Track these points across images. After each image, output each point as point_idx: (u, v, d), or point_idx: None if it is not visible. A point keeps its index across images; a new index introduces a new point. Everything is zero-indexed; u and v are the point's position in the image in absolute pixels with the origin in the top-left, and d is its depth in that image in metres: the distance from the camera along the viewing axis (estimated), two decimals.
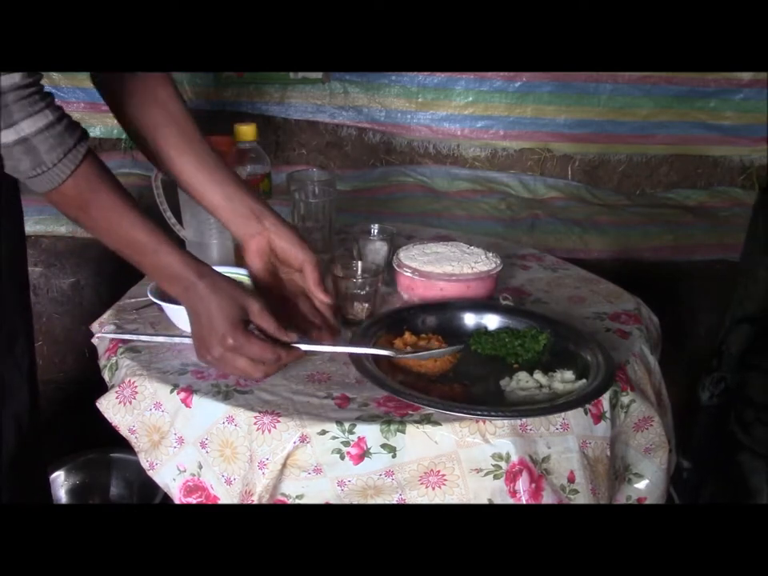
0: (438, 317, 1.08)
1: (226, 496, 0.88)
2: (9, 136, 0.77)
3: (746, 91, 2.41)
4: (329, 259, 1.31)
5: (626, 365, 0.99)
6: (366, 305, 1.08)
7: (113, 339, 1.04)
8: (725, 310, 1.56)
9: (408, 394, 0.87)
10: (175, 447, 0.90)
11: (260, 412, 0.86)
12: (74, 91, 2.29)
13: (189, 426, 0.89)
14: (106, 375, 1.01)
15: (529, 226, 2.24)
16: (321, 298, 1.00)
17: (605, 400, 0.90)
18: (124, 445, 0.98)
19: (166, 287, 0.90)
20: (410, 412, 0.86)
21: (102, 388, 1.00)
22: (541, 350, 1.00)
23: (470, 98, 2.40)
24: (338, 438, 0.83)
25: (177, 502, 0.91)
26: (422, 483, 0.84)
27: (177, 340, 1.00)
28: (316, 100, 2.41)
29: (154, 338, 1.01)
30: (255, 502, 0.84)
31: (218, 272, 0.90)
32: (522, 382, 0.93)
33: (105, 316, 1.13)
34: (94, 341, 1.10)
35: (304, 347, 0.94)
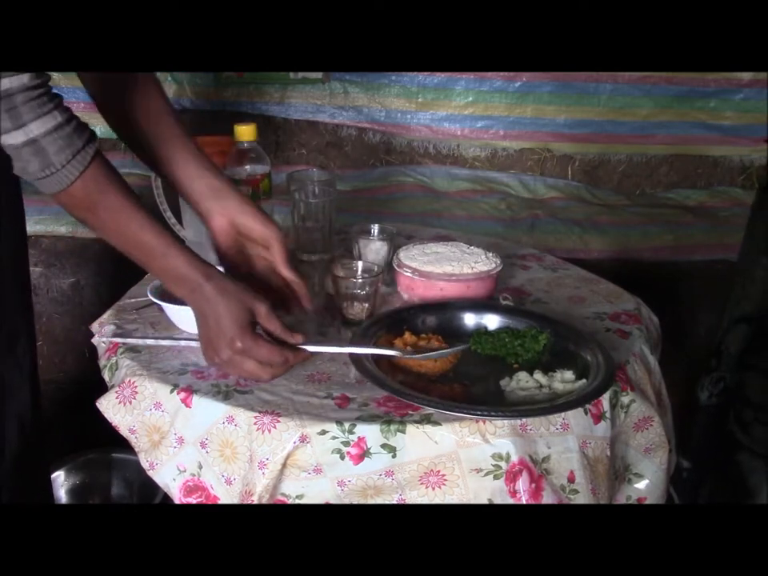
0: (438, 317, 1.08)
1: (226, 496, 0.88)
2: (18, 137, 0.77)
3: (745, 91, 2.41)
4: (329, 259, 1.31)
5: (625, 365, 0.99)
6: (366, 305, 1.08)
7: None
8: (723, 310, 1.56)
9: (408, 394, 0.87)
10: (175, 447, 0.90)
11: (260, 412, 0.86)
12: (74, 91, 2.28)
13: (189, 426, 0.89)
14: (105, 375, 1.01)
15: (529, 225, 2.24)
16: (287, 276, 1.00)
17: (605, 400, 0.90)
18: (124, 445, 0.98)
19: (174, 289, 0.90)
20: (410, 412, 0.86)
21: (102, 388, 1.00)
22: (541, 349, 1.00)
23: (470, 98, 2.40)
24: (338, 438, 0.83)
25: (177, 501, 0.91)
26: (421, 483, 0.84)
27: (183, 343, 0.99)
28: (316, 100, 2.41)
29: (159, 341, 1.00)
30: (255, 502, 0.84)
31: (225, 274, 0.90)
32: (522, 382, 0.93)
33: (105, 316, 1.13)
34: (94, 341, 1.10)
35: (311, 348, 0.94)
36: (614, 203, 2.43)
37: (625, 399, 0.94)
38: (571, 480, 0.88)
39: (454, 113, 2.42)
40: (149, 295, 1.05)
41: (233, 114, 2.37)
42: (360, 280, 1.09)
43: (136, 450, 0.95)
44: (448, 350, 0.97)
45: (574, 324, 1.06)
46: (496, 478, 0.84)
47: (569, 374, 0.94)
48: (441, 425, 0.84)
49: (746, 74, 2.37)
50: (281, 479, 0.85)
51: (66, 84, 2.23)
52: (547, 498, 0.86)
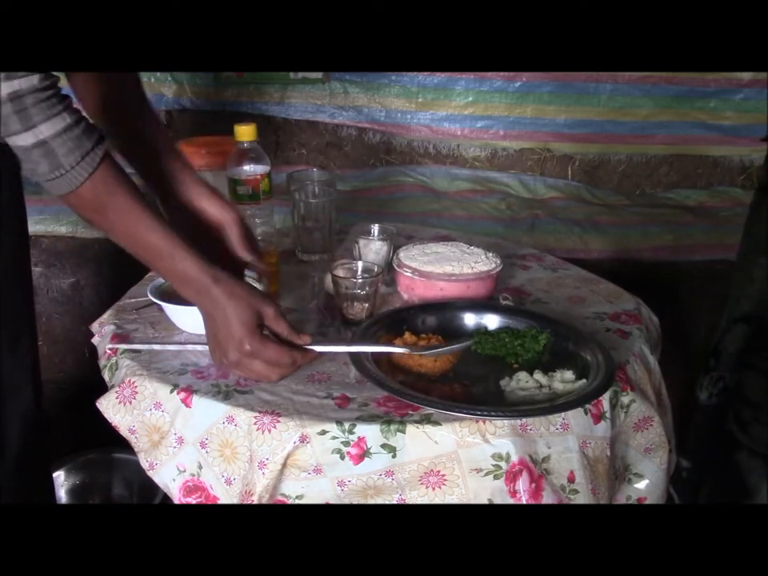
0: (438, 317, 1.08)
1: (226, 496, 0.88)
2: (27, 139, 0.77)
3: (745, 91, 2.41)
4: (329, 259, 1.31)
5: (626, 365, 0.99)
6: (366, 305, 1.08)
7: (113, 339, 1.04)
8: (721, 310, 1.56)
9: (408, 394, 0.87)
10: (175, 447, 0.90)
11: (260, 412, 0.86)
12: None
13: (189, 426, 0.89)
14: (105, 375, 1.01)
15: (529, 225, 2.24)
16: (243, 257, 1.00)
17: (605, 400, 0.90)
18: (124, 445, 0.98)
19: (181, 290, 0.90)
20: (410, 412, 0.86)
21: (102, 388, 1.00)
22: (541, 349, 1.00)
23: (470, 98, 2.40)
24: (338, 438, 0.83)
25: (177, 502, 0.91)
26: (421, 483, 0.84)
27: (189, 347, 0.99)
28: (316, 100, 2.41)
29: (167, 346, 1.00)
30: (255, 502, 0.84)
31: (233, 276, 0.90)
32: (522, 382, 0.93)
33: (105, 316, 1.13)
34: (95, 341, 1.10)
35: (318, 349, 0.94)
36: (614, 203, 2.44)
37: (625, 399, 0.94)
38: (571, 480, 0.88)
39: (454, 113, 2.42)
40: (149, 295, 1.05)
41: (233, 113, 2.37)
42: (360, 280, 1.09)
43: (136, 450, 0.95)
44: (454, 347, 0.97)
45: (573, 324, 1.06)
46: (496, 478, 0.84)
47: (569, 374, 0.94)
48: (441, 425, 0.84)
49: (745, 73, 2.37)
50: (281, 479, 0.85)
51: (65, 84, 2.23)
52: (547, 498, 0.86)
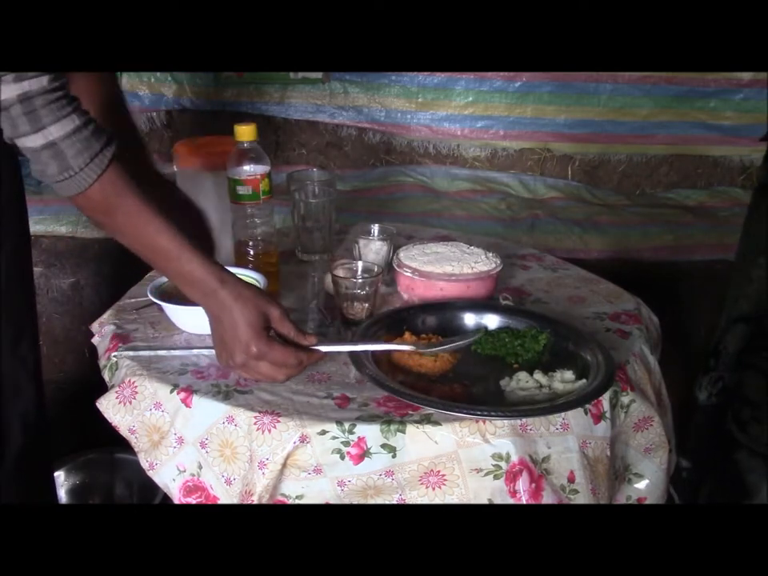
0: (438, 317, 1.08)
1: (226, 496, 0.88)
2: (37, 140, 0.77)
3: (745, 91, 2.41)
4: (329, 259, 1.31)
5: (626, 365, 0.99)
6: (366, 305, 1.08)
7: (113, 339, 1.04)
8: (720, 310, 1.56)
9: (408, 394, 0.87)
10: (175, 447, 0.90)
11: (260, 412, 0.86)
12: None
13: (189, 426, 0.89)
14: (105, 375, 1.01)
15: (529, 225, 2.24)
16: None
17: (605, 400, 0.90)
18: (124, 445, 0.98)
19: (188, 292, 0.90)
20: (410, 412, 0.86)
21: (102, 388, 1.00)
22: (541, 349, 1.00)
23: (470, 98, 2.40)
24: (338, 438, 0.83)
25: (177, 502, 0.91)
26: (421, 483, 0.84)
27: (195, 351, 0.99)
28: (316, 100, 2.41)
29: (172, 351, 0.99)
30: (255, 502, 0.84)
31: (239, 278, 0.90)
32: (522, 382, 0.93)
33: (105, 316, 1.13)
34: (94, 341, 1.10)
35: (324, 349, 0.94)
36: (614, 203, 2.44)
37: (625, 399, 0.94)
38: (571, 480, 0.88)
39: (454, 113, 2.42)
40: (149, 295, 1.05)
41: (233, 114, 2.37)
42: (360, 280, 1.09)
43: (136, 450, 0.95)
44: (459, 343, 0.97)
45: (573, 324, 1.06)
46: (496, 478, 0.84)
47: (569, 374, 0.94)
48: (441, 425, 0.84)
49: (745, 73, 2.37)
50: (281, 479, 0.85)
51: None
52: (547, 498, 0.86)
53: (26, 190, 1.02)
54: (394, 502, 0.85)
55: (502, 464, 0.84)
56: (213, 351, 0.93)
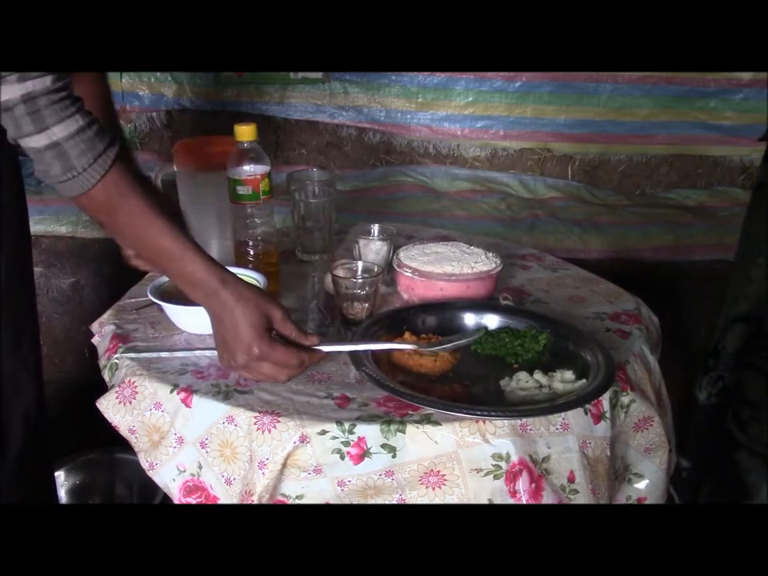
0: (438, 317, 1.08)
1: (226, 496, 0.88)
2: (41, 141, 0.77)
3: (745, 91, 2.41)
4: (329, 259, 1.31)
5: (626, 365, 0.99)
6: (366, 305, 1.08)
7: (113, 339, 1.04)
8: (720, 310, 1.56)
9: (408, 394, 0.87)
10: (175, 447, 0.90)
11: (260, 412, 0.86)
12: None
13: (189, 426, 0.89)
14: (105, 375, 1.01)
15: (529, 226, 2.24)
16: None
17: (605, 400, 0.90)
18: (124, 445, 0.98)
19: (190, 293, 0.90)
20: (410, 412, 0.86)
21: (102, 388, 1.00)
22: (541, 349, 1.00)
23: (470, 98, 2.40)
24: (338, 438, 0.83)
25: (177, 502, 0.91)
26: (421, 483, 0.84)
27: (198, 353, 0.99)
28: (316, 100, 2.41)
29: (174, 353, 0.99)
30: (255, 502, 0.84)
31: (241, 279, 0.90)
32: (522, 382, 0.93)
33: (105, 316, 1.13)
34: (94, 341, 1.10)
35: (326, 349, 0.95)
36: (614, 203, 2.44)
37: (625, 399, 0.94)
38: (571, 480, 0.88)
39: (454, 113, 2.42)
40: (149, 295, 1.05)
41: (233, 114, 2.37)
42: (360, 280, 1.09)
43: (136, 450, 0.95)
44: (461, 342, 0.97)
45: (573, 324, 1.06)
46: (496, 478, 0.84)
47: (569, 374, 0.94)
48: (441, 425, 0.84)
49: (745, 73, 2.37)
50: (281, 479, 0.85)
51: None
52: (547, 498, 0.86)
53: (26, 190, 1.03)
54: (394, 502, 0.85)
55: (502, 464, 0.84)
56: (214, 352, 0.93)
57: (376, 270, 1.11)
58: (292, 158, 2.47)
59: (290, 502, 0.86)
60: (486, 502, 0.84)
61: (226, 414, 0.87)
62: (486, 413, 0.84)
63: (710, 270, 2.13)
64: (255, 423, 0.85)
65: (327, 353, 0.95)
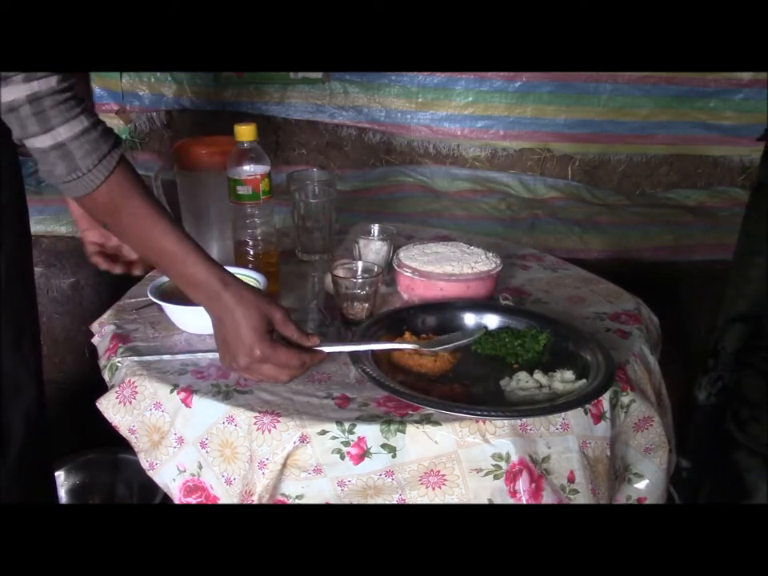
0: (438, 317, 1.08)
1: (226, 496, 0.88)
2: (45, 141, 0.78)
3: (745, 91, 2.41)
4: (329, 259, 1.31)
5: (626, 365, 0.99)
6: (366, 305, 1.08)
7: (113, 339, 1.04)
8: (719, 310, 1.56)
9: (408, 394, 0.87)
10: (175, 447, 0.90)
11: (260, 412, 0.86)
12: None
13: (189, 425, 0.89)
14: (105, 375, 1.01)
15: (529, 225, 2.24)
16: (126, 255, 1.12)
17: (605, 400, 0.90)
18: (124, 445, 0.98)
19: (191, 295, 0.90)
20: (410, 412, 0.86)
21: (102, 388, 1.00)
22: (541, 349, 1.00)
23: (470, 98, 2.40)
24: (338, 438, 0.83)
25: (177, 502, 0.91)
26: (421, 483, 0.84)
27: (200, 355, 0.99)
28: (316, 100, 2.41)
29: (176, 356, 0.99)
30: (255, 502, 0.84)
31: (242, 281, 0.90)
32: (522, 382, 0.93)
33: (105, 316, 1.13)
34: (94, 341, 1.10)
35: (327, 349, 0.95)
36: (614, 203, 2.44)
37: (625, 399, 0.94)
38: (571, 480, 0.88)
39: (454, 113, 2.42)
40: (149, 295, 1.05)
41: (233, 114, 2.37)
42: (360, 280, 1.09)
43: (136, 450, 0.95)
44: (460, 343, 0.97)
45: (574, 324, 1.06)
46: (496, 478, 0.84)
47: (569, 374, 0.94)
48: (441, 425, 0.84)
49: (745, 73, 2.37)
50: (281, 479, 0.85)
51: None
52: (547, 498, 0.86)
53: (26, 190, 1.03)
54: (394, 502, 0.85)
55: (502, 464, 0.84)
56: (215, 354, 0.93)
57: (376, 270, 1.11)
58: (292, 158, 2.47)
59: (290, 501, 0.86)
60: (486, 501, 0.84)
61: (226, 413, 0.87)
62: (486, 413, 0.84)
63: (710, 270, 2.13)
64: (255, 423, 0.85)
65: (328, 353, 0.95)
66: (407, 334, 1.01)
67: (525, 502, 0.84)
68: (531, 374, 0.94)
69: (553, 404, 0.88)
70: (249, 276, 1.11)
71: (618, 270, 2.02)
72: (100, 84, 2.32)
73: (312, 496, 0.85)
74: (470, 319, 1.08)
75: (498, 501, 0.84)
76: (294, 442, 0.83)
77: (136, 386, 0.93)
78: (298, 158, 2.48)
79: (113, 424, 0.95)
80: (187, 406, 0.89)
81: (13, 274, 0.98)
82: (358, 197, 2.35)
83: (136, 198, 0.84)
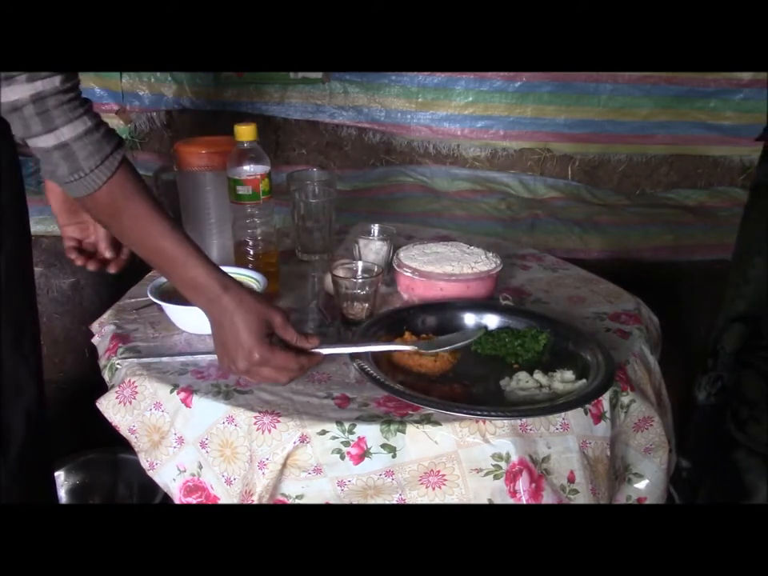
0: (438, 317, 1.08)
1: (226, 496, 0.88)
2: (49, 141, 0.78)
3: (745, 91, 2.41)
4: (329, 259, 1.31)
5: (626, 365, 0.99)
6: (366, 305, 1.08)
7: (113, 339, 1.04)
8: (719, 310, 1.56)
9: (408, 394, 0.87)
10: (175, 447, 0.90)
11: (260, 412, 0.86)
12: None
13: (189, 425, 0.89)
14: (106, 375, 1.01)
15: (529, 226, 2.24)
16: (103, 253, 1.12)
17: (605, 400, 0.90)
18: (124, 445, 0.98)
19: (191, 298, 0.90)
20: (410, 412, 0.86)
21: (102, 388, 1.00)
22: (541, 349, 1.00)
23: (470, 98, 2.40)
24: (338, 438, 0.83)
25: (177, 502, 0.91)
26: (421, 483, 0.84)
27: (199, 357, 0.99)
28: (316, 100, 2.41)
29: (176, 358, 0.99)
30: (255, 502, 0.84)
31: (242, 285, 0.90)
32: (522, 382, 0.93)
33: (105, 316, 1.13)
34: (94, 341, 1.10)
35: (325, 351, 0.95)
36: (614, 203, 2.44)
37: (625, 399, 0.94)
38: (571, 480, 0.88)
39: (454, 113, 2.42)
40: (149, 295, 1.05)
41: (233, 114, 2.37)
42: (360, 280, 1.09)
43: (136, 449, 0.95)
44: (460, 344, 0.97)
45: (574, 324, 1.06)
46: (496, 478, 0.84)
47: (569, 374, 0.94)
48: (441, 425, 0.84)
49: (745, 73, 2.37)
50: (281, 479, 0.85)
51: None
52: (547, 498, 0.86)
53: (26, 190, 1.02)
54: (394, 502, 0.85)
55: (502, 464, 0.84)
56: (215, 356, 0.93)
57: (376, 270, 1.11)
58: (292, 158, 2.47)
59: (290, 501, 0.86)
60: (486, 502, 0.84)
61: (226, 414, 0.87)
62: (486, 413, 0.84)
63: (710, 270, 2.12)
64: (255, 423, 0.85)
65: (327, 355, 0.95)
66: (407, 334, 1.01)
67: (525, 502, 0.84)
68: (531, 374, 0.94)
69: (553, 404, 0.88)
70: (249, 276, 1.11)
71: (618, 270, 2.02)
72: (100, 84, 2.31)
73: (312, 496, 0.85)
74: (469, 319, 1.08)
75: (497, 501, 0.84)
76: (294, 442, 0.83)
77: (136, 386, 0.93)
78: (298, 157, 2.48)
79: (113, 424, 0.95)
80: (187, 405, 0.89)
81: (13, 274, 0.98)
82: (358, 197, 2.35)
83: (137, 200, 0.84)
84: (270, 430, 0.84)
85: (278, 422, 0.84)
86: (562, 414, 0.87)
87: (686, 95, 2.42)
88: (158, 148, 2.41)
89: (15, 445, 1.00)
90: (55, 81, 0.76)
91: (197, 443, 0.89)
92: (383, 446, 0.83)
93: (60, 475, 1.60)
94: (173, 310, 1.04)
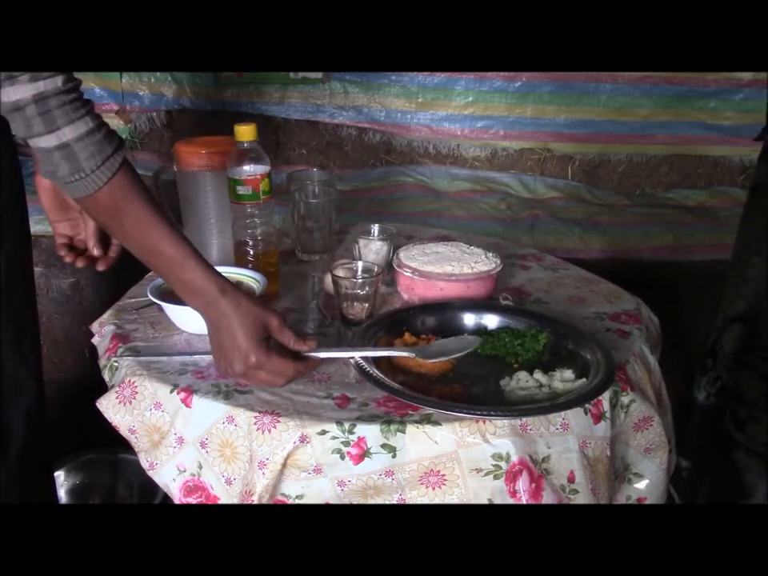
0: (438, 317, 1.08)
1: (226, 496, 0.88)
2: (50, 141, 0.78)
3: (745, 91, 2.42)
4: (329, 259, 1.31)
5: (626, 365, 0.99)
6: (366, 305, 1.08)
7: (113, 339, 1.04)
8: (717, 310, 1.56)
9: (408, 394, 0.87)
10: (175, 447, 0.90)
11: (260, 412, 0.86)
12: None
13: (189, 426, 0.89)
14: (106, 375, 1.01)
15: (529, 226, 2.24)
16: (92, 250, 1.09)
17: (605, 400, 0.90)
18: (124, 445, 0.98)
19: (189, 300, 0.90)
20: (410, 412, 0.86)
21: (102, 388, 1.00)
22: (541, 349, 1.00)
23: (470, 98, 2.40)
24: (338, 438, 0.83)
25: (177, 502, 0.91)
26: (421, 483, 0.84)
27: (199, 357, 0.99)
28: (316, 100, 2.41)
29: (173, 358, 0.99)
30: (255, 502, 0.84)
31: (239, 288, 0.90)
32: (522, 382, 0.93)
33: (105, 316, 1.13)
34: (94, 341, 1.10)
35: (323, 355, 0.94)
36: (614, 203, 2.44)
37: (625, 399, 0.94)
38: (571, 480, 0.88)
39: (454, 113, 2.42)
40: (149, 295, 1.05)
41: (233, 114, 2.37)
42: (360, 280, 1.09)
43: (136, 450, 0.95)
44: (460, 354, 0.96)
45: (574, 324, 1.06)
46: (496, 477, 0.84)
47: (569, 374, 0.94)
48: (441, 425, 0.84)
49: (745, 73, 2.38)
50: (281, 479, 0.85)
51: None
52: (547, 498, 0.86)
53: (26, 190, 1.03)
54: (394, 502, 0.85)
55: (502, 464, 0.84)
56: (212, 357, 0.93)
57: (376, 270, 1.11)
58: (292, 158, 2.47)
59: (290, 501, 0.86)
60: (486, 502, 0.84)
61: (226, 414, 0.87)
62: (485, 413, 0.84)
63: (710, 270, 2.12)
64: (255, 423, 0.85)
65: (324, 359, 0.95)
66: (407, 335, 1.01)
67: (525, 502, 0.84)
68: (531, 373, 0.94)
69: (553, 403, 0.88)
70: (249, 276, 1.11)
71: (618, 270, 2.02)
72: (100, 84, 2.32)
73: (312, 496, 0.85)
74: (469, 319, 1.08)
75: (498, 501, 0.84)
76: (294, 442, 0.83)
77: (136, 386, 0.93)
78: (298, 158, 2.48)
79: (113, 424, 0.95)
80: (187, 405, 0.89)
81: (13, 274, 0.98)
82: (357, 197, 2.35)
83: (137, 201, 0.84)
84: (269, 430, 0.84)
85: (278, 422, 0.84)
86: (562, 414, 0.87)
87: (686, 95, 2.42)
88: (158, 148, 2.42)
89: (15, 445, 1.00)
90: (57, 81, 0.76)
91: (197, 443, 0.89)
92: (383, 446, 0.83)
93: (60, 475, 1.60)
94: (173, 310, 1.04)
